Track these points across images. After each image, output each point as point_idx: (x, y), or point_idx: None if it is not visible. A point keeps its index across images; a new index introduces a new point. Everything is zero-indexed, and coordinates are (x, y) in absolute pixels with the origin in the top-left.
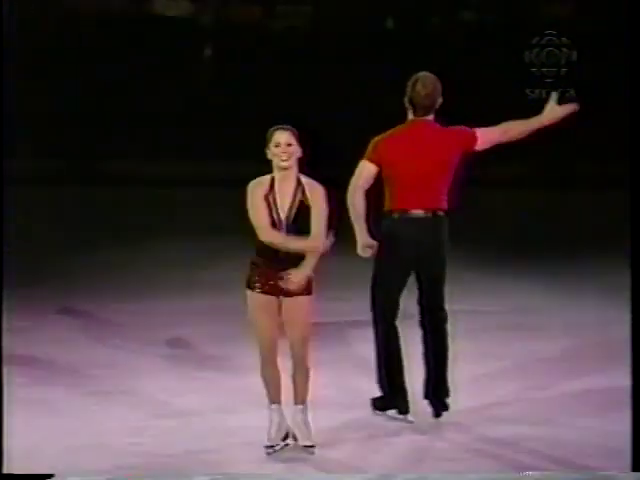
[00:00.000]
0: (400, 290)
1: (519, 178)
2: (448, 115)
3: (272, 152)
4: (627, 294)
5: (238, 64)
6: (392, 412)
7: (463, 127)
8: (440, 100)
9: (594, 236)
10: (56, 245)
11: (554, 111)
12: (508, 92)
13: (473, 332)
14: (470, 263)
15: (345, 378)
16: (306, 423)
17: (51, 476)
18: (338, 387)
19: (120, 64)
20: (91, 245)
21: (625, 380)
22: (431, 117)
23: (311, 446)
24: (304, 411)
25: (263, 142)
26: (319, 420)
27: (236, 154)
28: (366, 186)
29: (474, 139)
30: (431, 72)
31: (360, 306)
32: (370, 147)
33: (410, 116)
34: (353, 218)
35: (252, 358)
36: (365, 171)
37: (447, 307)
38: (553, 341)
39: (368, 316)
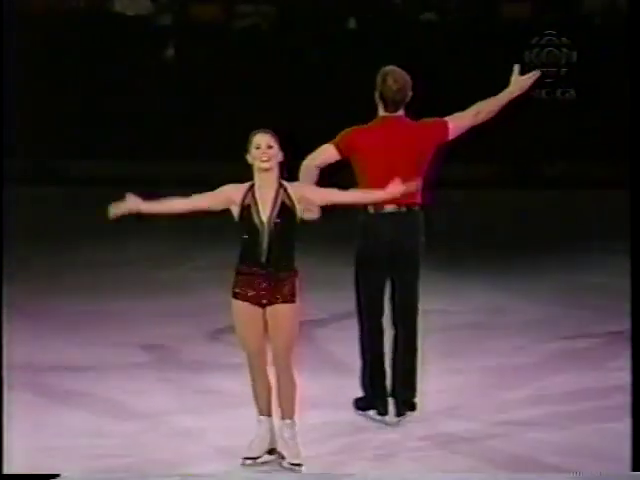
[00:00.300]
0: (381, 287)
1: (487, 178)
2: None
3: (252, 155)
4: (578, 293)
5: (199, 63)
6: (372, 412)
7: (434, 119)
8: (410, 94)
9: (554, 236)
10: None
11: (519, 82)
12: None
13: (435, 331)
14: (437, 263)
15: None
16: (293, 440)
17: (51, 476)
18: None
19: (78, 63)
20: (48, 245)
21: (585, 378)
22: (401, 112)
23: (298, 464)
24: (292, 427)
25: (223, 141)
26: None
27: (194, 154)
28: (321, 166)
29: (446, 129)
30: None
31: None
32: (340, 135)
33: (381, 112)
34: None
35: (212, 358)
36: (326, 153)
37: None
38: (513, 340)
39: (331, 315)
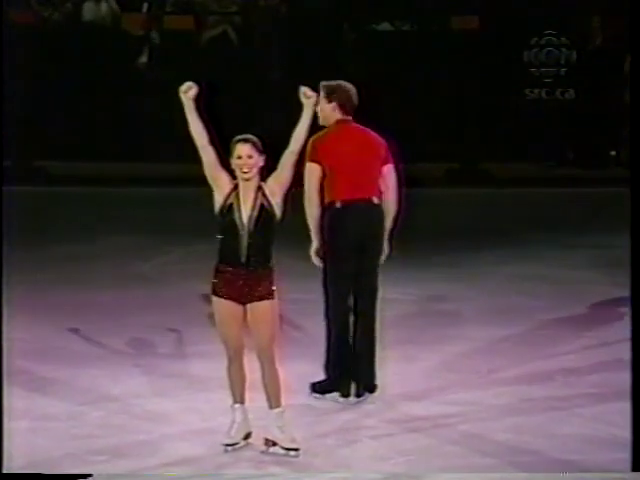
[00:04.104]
0: (350, 274)
1: (445, 174)
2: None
3: (234, 163)
4: (528, 283)
5: (173, 72)
6: (333, 395)
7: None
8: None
9: (505, 228)
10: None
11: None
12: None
13: (394, 318)
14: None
15: None
16: (285, 426)
17: (53, 476)
18: None
19: (52, 71)
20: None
21: (542, 364)
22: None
23: (294, 449)
24: (281, 414)
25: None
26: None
27: (170, 156)
28: (319, 187)
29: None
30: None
31: None
32: (310, 148)
33: (338, 116)
34: (312, 220)
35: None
36: (316, 174)
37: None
38: (468, 327)
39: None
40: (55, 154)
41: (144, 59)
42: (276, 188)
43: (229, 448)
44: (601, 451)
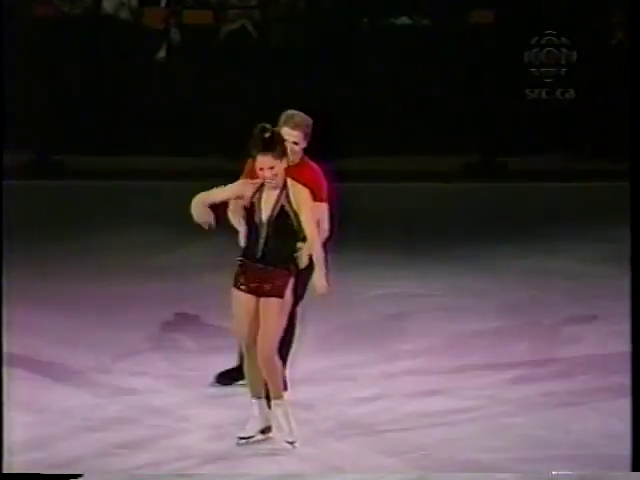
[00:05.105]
0: None
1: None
2: None
3: (257, 171)
4: (545, 277)
5: (191, 66)
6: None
7: None
8: None
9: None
10: (26, 235)
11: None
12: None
13: (411, 313)
14: (405, 248)
15: None
16: (286, 418)
17: (52, 476)
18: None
19: (75, 67)
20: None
21: (559, 358)
22: None
23: (291, 442)
24: (281, 405)
25: (214, 139)
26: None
27: (196, 151)
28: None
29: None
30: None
31: None
32: (247, 170)
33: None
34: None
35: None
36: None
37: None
38: (486, 320)
39: None
40: (73, 148)
41: (163, 53)
42: (301, 207)
43: (243, 441)
44: (620, 445)
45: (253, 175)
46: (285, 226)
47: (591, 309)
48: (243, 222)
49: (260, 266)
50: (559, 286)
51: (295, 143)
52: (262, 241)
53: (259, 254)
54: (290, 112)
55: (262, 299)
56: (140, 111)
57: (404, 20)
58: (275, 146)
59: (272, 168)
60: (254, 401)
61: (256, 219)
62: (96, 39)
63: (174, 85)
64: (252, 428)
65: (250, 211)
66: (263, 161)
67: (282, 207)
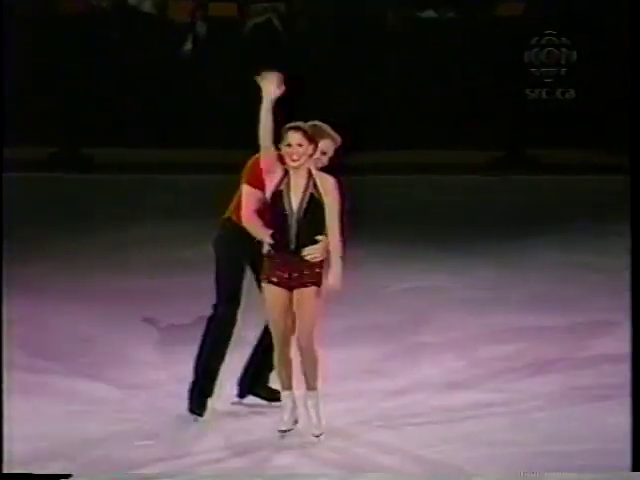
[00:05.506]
0: (242, 276)
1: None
2: None
3: (283, 150)
4: (574, 270)
5: (218, 59)
6: (255, 397)
7: None
8: None
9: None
10: (50, 229)
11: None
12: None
13: (439, 306)
14: (439, 243)
15: None
16: (316, 409)
17: (53, 476)
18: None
19: (102, 61)
20: (80, 228)
21: (587, 352)
22: None
23: (317, 435)
24: (315, 396)
25: (241, 132)
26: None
27: (219, 143)
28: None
29: None
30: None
31: None
32: (249, 170)
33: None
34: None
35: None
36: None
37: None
38: (513, 314)
39: None
40: (100, 141)
41: (189, 46)
42: (328, 195)
43: (283, 433)
44: None
45: (254, 175)
46: (316, 214)
47: (622, 302)
48: (257, 217)
49: (295, 257)
50: (588, 280)
51: (323, 153)
52: (293, 231)
53: (292, 245)
54: (324, 124)
55: (296, 290)
56: (166, 104)
57: (430, 13)
58: (307, 128)
59: (300, 145)
60: (286, 393)
61: (286, 207)
62: (122, 33)
63: (202, 78)
64: (289, 420)
65: (276, 199)
66: (293, 137)
67: (311, 195)
